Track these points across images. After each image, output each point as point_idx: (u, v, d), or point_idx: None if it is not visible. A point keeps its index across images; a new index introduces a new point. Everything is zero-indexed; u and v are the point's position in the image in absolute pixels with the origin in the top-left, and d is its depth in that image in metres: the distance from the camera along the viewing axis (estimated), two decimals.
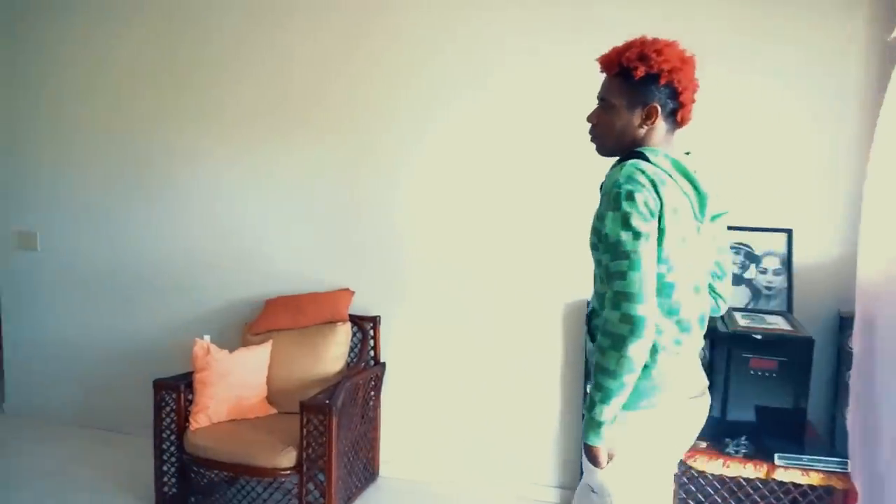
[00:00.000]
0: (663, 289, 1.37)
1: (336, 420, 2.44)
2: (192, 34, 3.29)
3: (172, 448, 2.66)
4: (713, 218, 1.48)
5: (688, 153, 1.46)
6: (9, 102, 3.75)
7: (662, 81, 1.39)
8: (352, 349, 2.98)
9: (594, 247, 1.43)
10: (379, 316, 3.04)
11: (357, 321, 3.00)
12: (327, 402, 2.45)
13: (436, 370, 3.02)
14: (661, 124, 1.43)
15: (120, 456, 3.29)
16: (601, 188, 1.43)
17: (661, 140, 1.44)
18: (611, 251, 1.32)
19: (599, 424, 1.35)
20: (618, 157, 1.47)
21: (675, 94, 1.40)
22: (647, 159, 1.38)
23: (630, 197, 1.30)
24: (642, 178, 1.32)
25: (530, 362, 2.89)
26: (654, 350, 1.37)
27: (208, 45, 3.26)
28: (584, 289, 2.77)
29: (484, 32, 2.82)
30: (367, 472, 2.97)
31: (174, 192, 3.40)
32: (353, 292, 3.04)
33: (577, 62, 2.42)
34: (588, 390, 1.42)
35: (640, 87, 1.40)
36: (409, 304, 3.04)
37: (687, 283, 1.42)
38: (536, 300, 2.86)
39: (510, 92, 2.80)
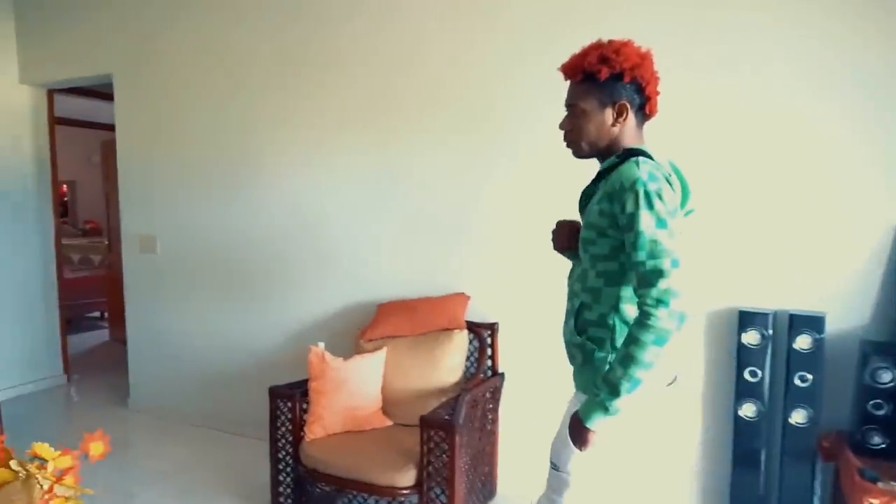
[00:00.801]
0: None
1: (459, 437, 2.26)
2: (306, 35, 3.23)
3: (288, 458, 2.57)
4: (686, 213, 1.54)
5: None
6: (136, 114, 3.87)
7: (627, 79, 1.44)
8: (468, 357, 2.79)
9: (591, 242, 1.46)
10: (497, 323, 2.83)
11: (474, 328, 2.80)
12: (449, 417, 2.27)
13: (557, 381, 2.77)
14: (631, 120, 1.49)
15: (237, 459, 3.28)
16: (596, 190, 1.48)
17: (635, 135, 1.50)
18: (646, 249, 1.32)
19: (615, 412, 1.38)
20: (614, 157, 1.48)
21: (640, 89, 1.46)
22: (649, 157, 1.41)
23: (660, 195, 1.33)
24: (660, 175, 1.37)
25: None
26: None
27: (323, 46, 3.19)
28: (728, 295, 2.44)
29: (602, 28, 2.55)
30: (486, 489, 2.77)
31: (287, 197, 3.36)
32: (469, 297, 2.85)
33: (701, 56, 2.10)
34: (606, 379, 1.39)
35: (607, 88, 1.46)
36: (528, 310, 2.81)
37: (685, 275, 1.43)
38: None
39: None
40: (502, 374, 2.82)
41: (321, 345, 2.59)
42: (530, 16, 2.70)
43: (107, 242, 6.50)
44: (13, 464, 1.41)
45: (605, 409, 1.38)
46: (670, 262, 1.32)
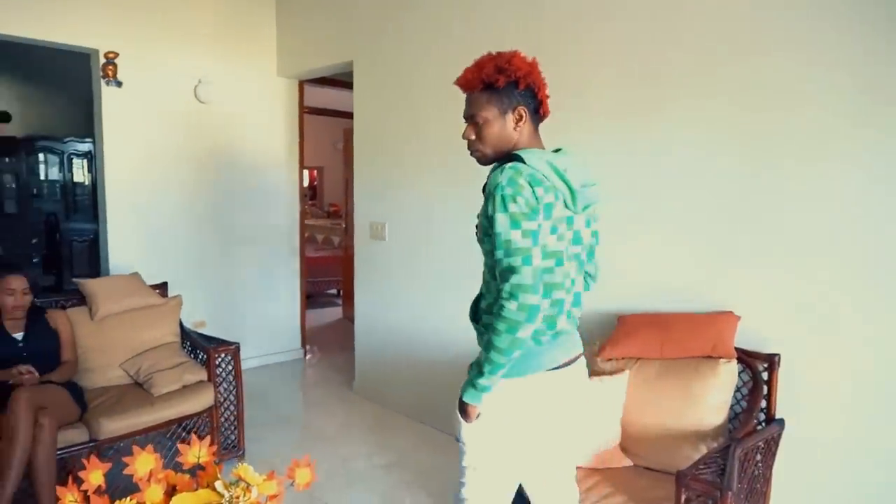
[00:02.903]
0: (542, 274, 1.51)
1: None
2: (557, 22, 2.86)
3: None
4: (584, 208, 1.62)
5: (558, 150, 1.63)
6: (371, 101, 3.87)
7: (522, 86, 1.57)
8: (734, 393, 2.20)
9: (480, 241, 1.62)
10: (778, 355, 2.19)
11: (746, 358, 2.20)
12: (717, 479, 1.75)
13: (847, 433, 2.07)
14: (529, 124, 1.61)
15: (445, 463, 3.08)
16: (484, 190, 1.56)
17: (531, 137, 1.63)
18: (503, 248, 1.47)
19: (484, 389, 1.55)
20: (496, 163, 1.60)
21: (534, 94, 1.60)
22: (522, 161, 1.51)
23: (514, 199, 1.45)
24: (521, 181, 1.47)
25: None
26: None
27: (576, 34, 2.78)
28: None
29: None
30: None
31: None
32: (739, 317, 2.25)
33: None
34: (477, 359, 1.57)
35: (505, 96, 1.58)
36: (817, 339, 2.13)
37: (560, 269, 1.57)
38: None
39: None
40: (781, 422, 2.18)
41: None
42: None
43: (344, 225, 6.89)
44: (218, 485, 1.26)
45: (474, 386, 1.56)
46: (521, 260, 1.45)
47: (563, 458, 1.78)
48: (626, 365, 2.32)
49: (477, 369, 1.56)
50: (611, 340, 2.40)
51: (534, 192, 1.48)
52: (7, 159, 7.21)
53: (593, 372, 2.37)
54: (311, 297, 6.66)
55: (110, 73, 3.88)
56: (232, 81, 4.42)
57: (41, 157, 7.17)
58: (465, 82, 1.63)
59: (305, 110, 4.95)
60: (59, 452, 2.41)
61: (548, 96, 1.64)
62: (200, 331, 3.62)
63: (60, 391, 2.55)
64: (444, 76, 3.36)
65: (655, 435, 2.17)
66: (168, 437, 2.91)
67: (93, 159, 6.81)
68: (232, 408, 3.10)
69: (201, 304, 4.24)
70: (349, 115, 6.32)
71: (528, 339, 1.50)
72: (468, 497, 1.69)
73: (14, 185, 7.24)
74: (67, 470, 2.62)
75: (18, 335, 2.61)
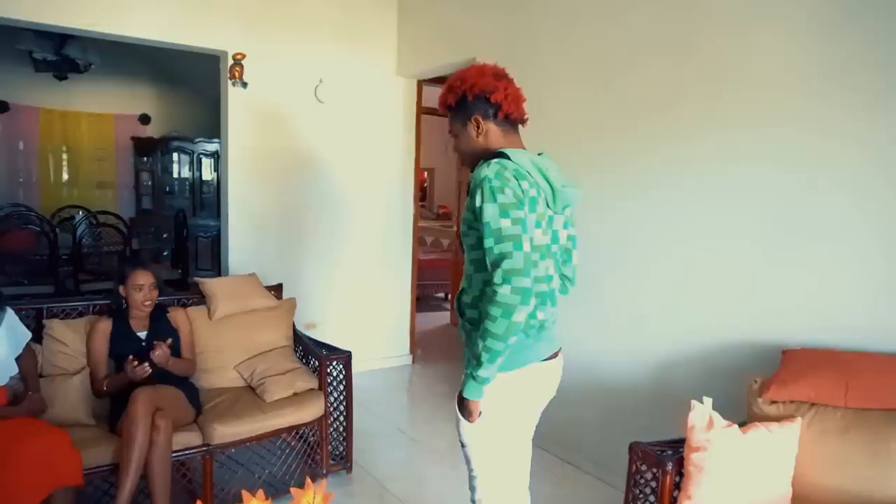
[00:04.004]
0: None
1: None
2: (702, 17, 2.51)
3: None
4: (563, 208, 1.71)
5: (541, 154, 1.72)
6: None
7: (470, 97, 1.68)
8: None
9: (465, 234, 1.66)
10: None
11: None
12: None
13: None
14: (493, 127, 1.71)
15: (564, 497, 2.80)
16: (470, 185, 1.61)
17: (502, 138, 1.71)
18: (493, 237, 1.50)
19: (484, 381, 1.57)
20: (481, 161, 1.64)
21: (486, 100, 1.68)
22: (508, 158, 1.59)
23: (502, 190, 1.52)
24: (507, 174, 1.55)
25: None
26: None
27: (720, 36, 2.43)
28: None
29: None
30: None
31: (672, 201, 2.71)
32: None
33: None
34: (473, 353, 1.56)
35: (460, 110, 1.72)
36: None
37: (544, 263, 1.66)
38: None
39: None
40: None
41: (708, 402, 1.88)
42: None
43: (455, 228, 6.74)
44: None
45: (475, 379, 1.57)
46: (512, 246, 1.48)
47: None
48: (798, 410, 1.93)
49: (475, 361, 1.56)
50: (777, 379, 2.01)
51: (519, 185, 1.56)
52: (145, 159, 7.71)
53: (755, 416, 2.01)
54: (419, 301, 6.55)
55: (237, 73, 3.93)
56: (351, 81, 4.37)
57: (174, 156, 7.60)
58: (439, 107, 1.80)
59: (423, 111, 4.83)
60: (173, 455, 2.38)
61: (506, 97, 1.69)
62: (311, 333, 3.57)
63: (177, 393, 2.54)
64: (577, 75, 3.08)
65: (836, 501, 1.78)
66: (278, 445, 2.85)
67: (218, 159, 7.11)
68: (341, 418, 2.99)
69: (312, 305, 4.21)
70: None
71: (522, 325, 1.51)
72: (484, 499, 1.75)
73: (150, 183, 7.73)
74: (182, 472, 2.61)
75: (142, 333, 2.63)
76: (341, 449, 3.01)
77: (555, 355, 1.76)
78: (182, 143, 7.50)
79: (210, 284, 3.14)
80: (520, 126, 1.78)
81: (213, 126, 6.76)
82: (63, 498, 2.12)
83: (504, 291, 1.46)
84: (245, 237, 4.08)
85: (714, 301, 2.51)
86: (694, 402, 1.86)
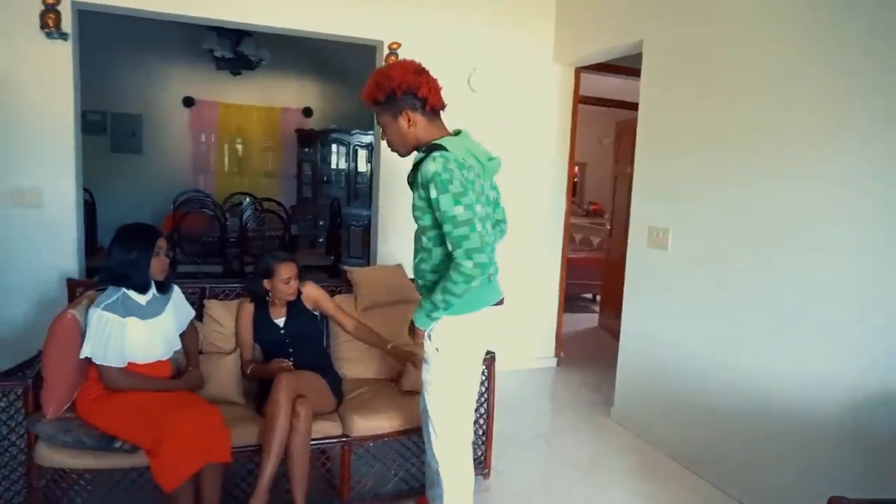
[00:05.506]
0: None
1: None
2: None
3: None
4: (490, 177, 2.06)
5: (459, 131, 2.02)
6: (663, 87, 3.31)
7: (399, 94, 1.92)
8: None
9: (419, 218, 1.95)
10: None
11: None
12: None
13: None
14: (420, 118, 1.96)
15: None
16: (416, 178, 1.91)
17: (431, 128, 1.98)
18: (451, 223, 1.82)
19: (435, 319, 1.98)
20: (420, 152, 1.95)
21: (414, 95, 1.92)
22: (445, 150, 1.87)
23: (451, 181, 1.81)
24: (452, 166, 1.83)
25: None
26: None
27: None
28: None
29: None
30: None
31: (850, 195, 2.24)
32: None
33: None
34: (430, 299, 1.93)
35: (390, 105, 1.95)
36: None
37: (487, 226, 1.92)
38: None
39: None
40: None
41: None
42: None
43: (608, 227, 6.36)
44: None
45: (428, 316, 1.96)
46: (468, 229, 1.81)
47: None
48: None
49: (431, 305, 1.93)
50: None
51: (462, 174, 1.85)
52: (306, 150, 8.14)
53: None
54: (566, 301, 6.26)
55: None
56: (505, 70, 4.21)
57: (332, 147, 7.96)
58: (365, 100, 2.01)
59: (578, 100, 4.54)
60: (312, 442, 2.37)
61: (430, 90, 1.94)
62: None
63: (319, 380, 2.53)
64: (763, 57, 2.66)
65: None
66: (414, 441, 2.76)
67: (372, 150, 7.31)
68: (482, 420, 2.84)
69: None
70: (621, 105, 5.81)
71: (475, 288, 1.87)
72: (444, 445, 2.09)
73: (310, 173, 8.15)
74: (321, 461, 2.61)
75: (280, 321, 2.65)
76: (479, 453, 2.86)
77: (500, 302, 2.10)
78: (340, 135, 7.83)
79: (357, 273, 3.13)
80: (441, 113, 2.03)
81: (368, 118, 6.96)
82: (212, 474, 2.18)
83: (467, 265, 1.81)
84: (393, 228, 4.07)
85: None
86: None
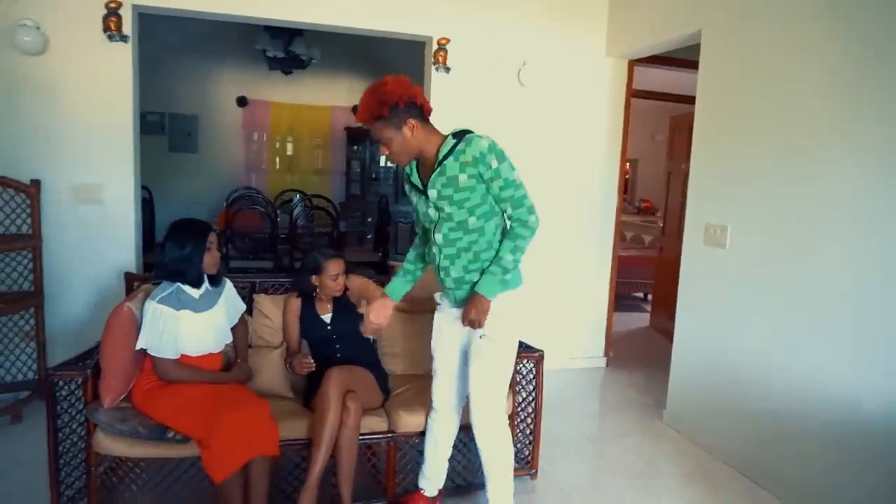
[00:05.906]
0: None
1: None
2: None
3: None
4: None
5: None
6: (722, 80, 3.17)
7: (402, 105, 2.01)
8: None
9: (465, 199, 2.04)
10: None
11: None
12: None
13: None
14: (419, 124, 2.06)
15: None
16: (458, 161, 2.03)
17: (428, 132, 2.10)
18: (513, 186, 2.03)
19: (505, 284, 2.12)
20: (450, 140, 2.07)
21: (414, 104, 2.04)
22: (470, 132, 2.09)
23: (503, 151, 2.03)
24: (494, 141, 2.04)
25: None
26: None
27: None
28: None
29: None
30: None
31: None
32: None
33: None
34: (497, 264, 2.07)
35: (394, 117, 2.01)
36: None
37: None
38: None
39: None
40: None
41: None
42: None
43: (661, 224, 6.19)
44: None
45: (502, 285, 2.10)
46: (525, 190, 2.06)
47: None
48: None
49: (501, 268, 2.07)
50: None
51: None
52: (355, 147, 8.22)
53: None
54: (616, 300, 6.12)
55: (441, 59, 3.90)
56: (556, 64, 4.13)
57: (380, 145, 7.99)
58: (362, 120, 2.06)
59: (634, 94, 4.42)
60: (360, 437, 2.37)
61: (425, 97, 2.08)
62: None
63: (368, 376, 2.53)
64: (830, 53, 2.52)
65: None
66: (460, 438, 2.73)
67: None
68: (529, 420, 2.79)
69: None
70: (676, 99, 5.63)
71: None
72: (494, 392, 2.20)
73: (359, 170, 8.23)
74: (367, 456, 2.61)
75: (326, 317, 2.65)
76: (526, 453, 2.81)
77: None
78: None
79: None
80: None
81: None
82: (260, 467, 2.20)
83: (532, 220, 2.04)
84: None
85: None
86: None
